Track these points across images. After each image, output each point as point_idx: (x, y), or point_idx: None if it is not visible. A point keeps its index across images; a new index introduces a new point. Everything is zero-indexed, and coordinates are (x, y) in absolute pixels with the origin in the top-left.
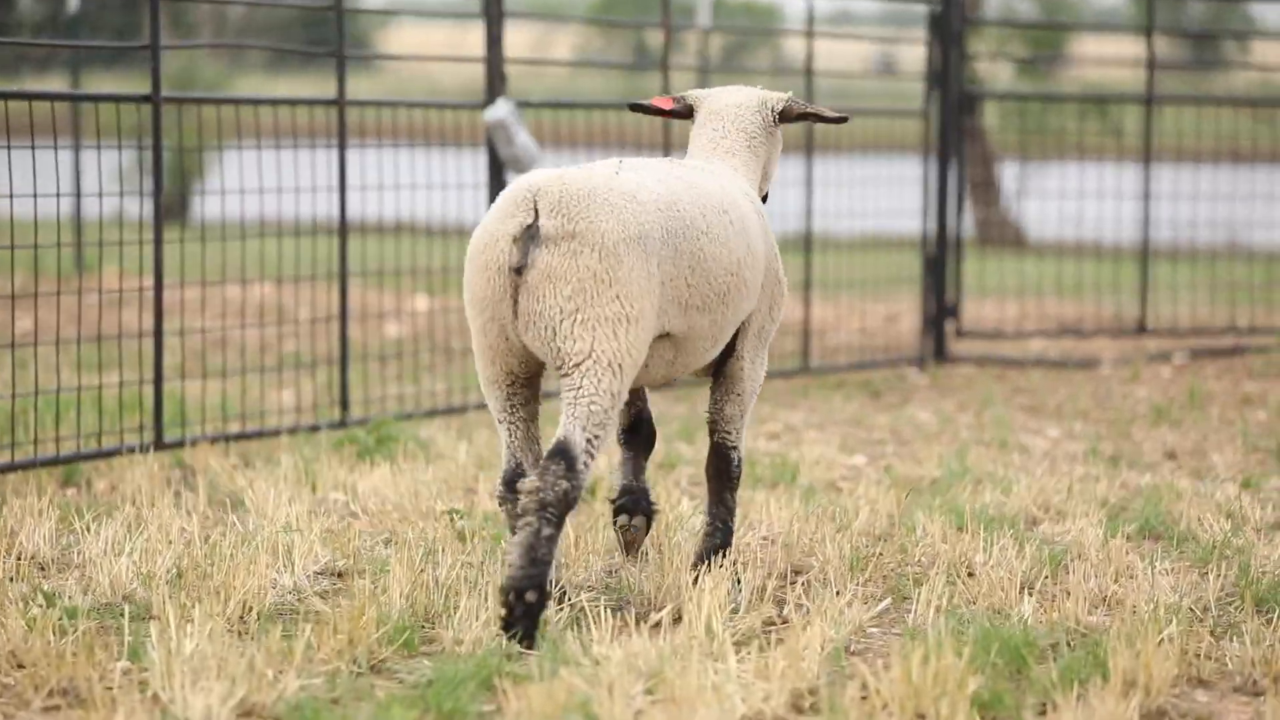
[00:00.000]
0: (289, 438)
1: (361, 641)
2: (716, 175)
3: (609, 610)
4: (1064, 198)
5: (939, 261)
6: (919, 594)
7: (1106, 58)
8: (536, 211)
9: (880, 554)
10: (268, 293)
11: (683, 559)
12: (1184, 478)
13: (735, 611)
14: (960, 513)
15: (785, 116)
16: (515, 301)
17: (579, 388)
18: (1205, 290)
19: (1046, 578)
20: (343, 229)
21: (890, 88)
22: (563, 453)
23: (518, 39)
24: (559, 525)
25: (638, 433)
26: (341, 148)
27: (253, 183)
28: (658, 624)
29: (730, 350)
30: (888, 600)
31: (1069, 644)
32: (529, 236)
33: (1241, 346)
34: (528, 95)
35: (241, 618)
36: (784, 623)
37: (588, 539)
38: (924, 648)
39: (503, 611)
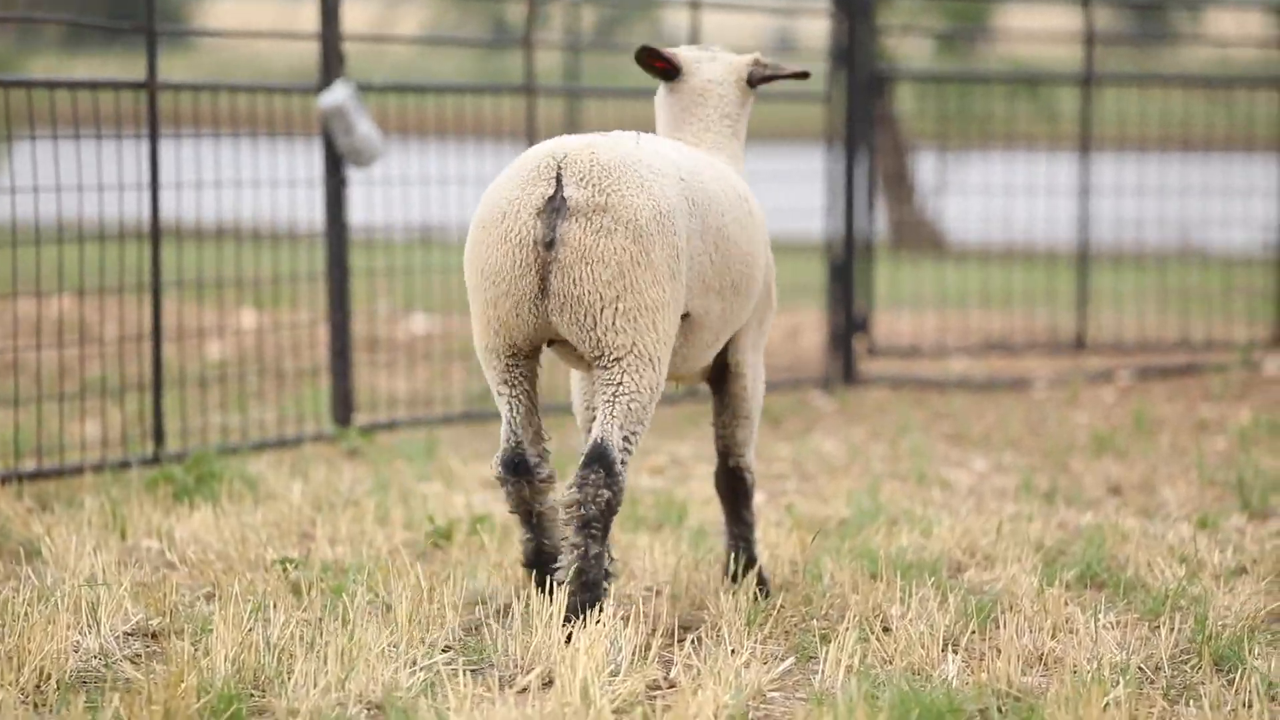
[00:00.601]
0: (94, 476)
1: (180, 713)
2: (726, 169)
3: (468, 673)
4: (990, 194)
5: (846, 268)
6: (826, 652)
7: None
8: (560, 181)
9: (782, 606)
10: (68, 307)
11: (555, 614)
12: (1130, 516)
13: (615, 674)
14: (873, 558)
15: (752, 82)
16: (542, 278)
17: (619, 384)
18: (1153, 300)
19: (973, 632)
20: (155, 233)
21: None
22: (601, 458)
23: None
24: (605, 537)
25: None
26: (153, 138)
27: (48, 179)
28: (525, 689)
29: (730, 369)
30: (791, 660)
31: (1000, 709)
32: (553, 208)
33: (1195, 364)
34: (369, 77)
35: (38, 687)
36: (671, 686)
37: (443, 590)
38: (833, 714)
39: (567, 616)
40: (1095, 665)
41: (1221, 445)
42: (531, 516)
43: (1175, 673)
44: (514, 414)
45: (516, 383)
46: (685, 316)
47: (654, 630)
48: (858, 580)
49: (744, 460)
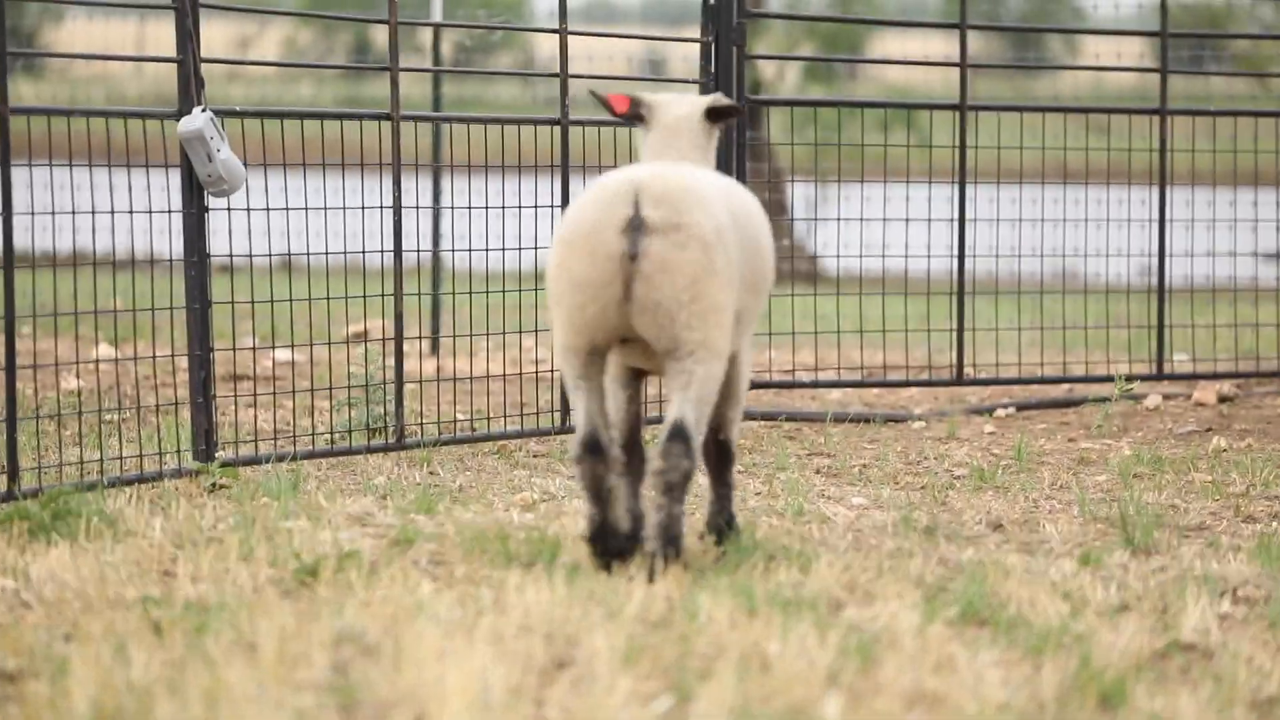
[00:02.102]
0: None
1: None
2: (739, 187)
3: (337, 714)
4: (866, 222)
5: None
6: (704, 691)
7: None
8: (638, 204)
9: (658, 644)
10: None
11: (425, 652)
12: (1012, 552)
13: (488, 713)
14: (751, 594)
15: (713, 117)
16: (626, 286)
17: (692, 372)
18: (1032, 331)
19: (854, 671)
20: (8, 263)
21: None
22: (681, 434)
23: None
24: (684, 500)
25: (633, 462)
26: (4, 164)
27: None
28: None
29: (730, 358)
30: (667, 699)
31: None
32: (634, 226)
33: (1075, 397)
34: (230, 103)
35: None
36: None
37: (311, 629)
38: None
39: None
40: (978, 704)
41: (1103, 480)
42: (601, 492)
43: (1059, 712)
44: (590, 403)
45: (591, 376)
46: None
47: (526, 669)
48: (735, 617)
49: (731, 434)
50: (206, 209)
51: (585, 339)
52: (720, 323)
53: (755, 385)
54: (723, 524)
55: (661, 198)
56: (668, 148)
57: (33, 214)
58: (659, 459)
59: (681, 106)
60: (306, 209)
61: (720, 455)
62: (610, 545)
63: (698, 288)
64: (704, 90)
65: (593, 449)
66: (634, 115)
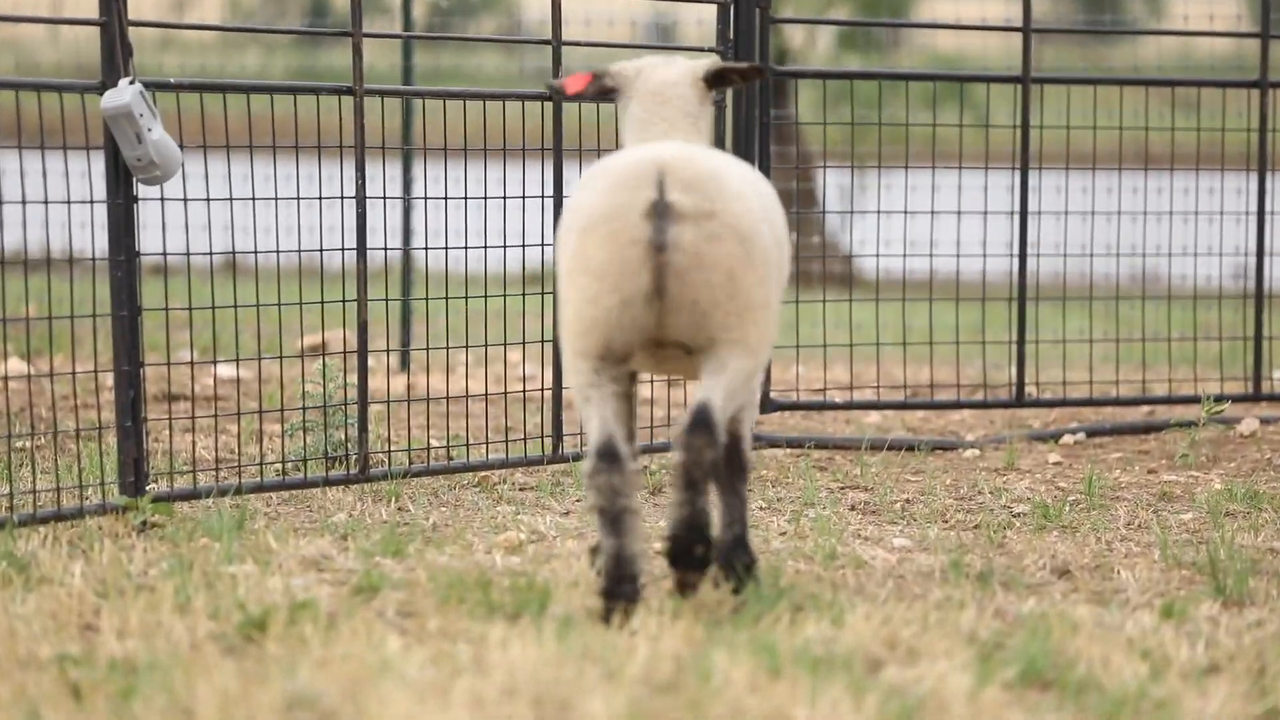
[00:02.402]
0: None
1: None
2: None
3: None
4: (911, 215)
5: None
6: None
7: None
8: (663, 187)
9: (665, 710)
10: None
11: (392, 719)
12: (1081, 603)
13: None
14: (774, 652)
15: (709, 82)
16: (659, 281)
17: (724, 362)
18: (1106, 344)
19: None
20: None
21: None
22: (704, 421)
23: None
24: (706, 490)
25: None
26: None
27: None
28: None
29: None
30: None
31: None
32: (659, 212)
33: (1157, 422)
34: (164, 74)
35: None
36: None
37: (257, 693)
38: None
39: (672, 571)
40: None
41: (1189, 518)
42: (619, 515)
43: None
44: (604, 410)
45: (604, 384)
46: None
47: None
48: (756, 679)
49: (746, 443)
50: (135, 199)
51: (600, 340)
52: (759, 320)
53: (780, 407)
54: (733, 545)
55: (692, 182)
56: (654, 119)
57: None
58: (681, 450)
59: (670, 70)
60: (254, 199)
61: (733, 458)
62: (625, 590)
63: (735, 284)
64: (720, 59)
65: (610, 457)
66: (601, 90)
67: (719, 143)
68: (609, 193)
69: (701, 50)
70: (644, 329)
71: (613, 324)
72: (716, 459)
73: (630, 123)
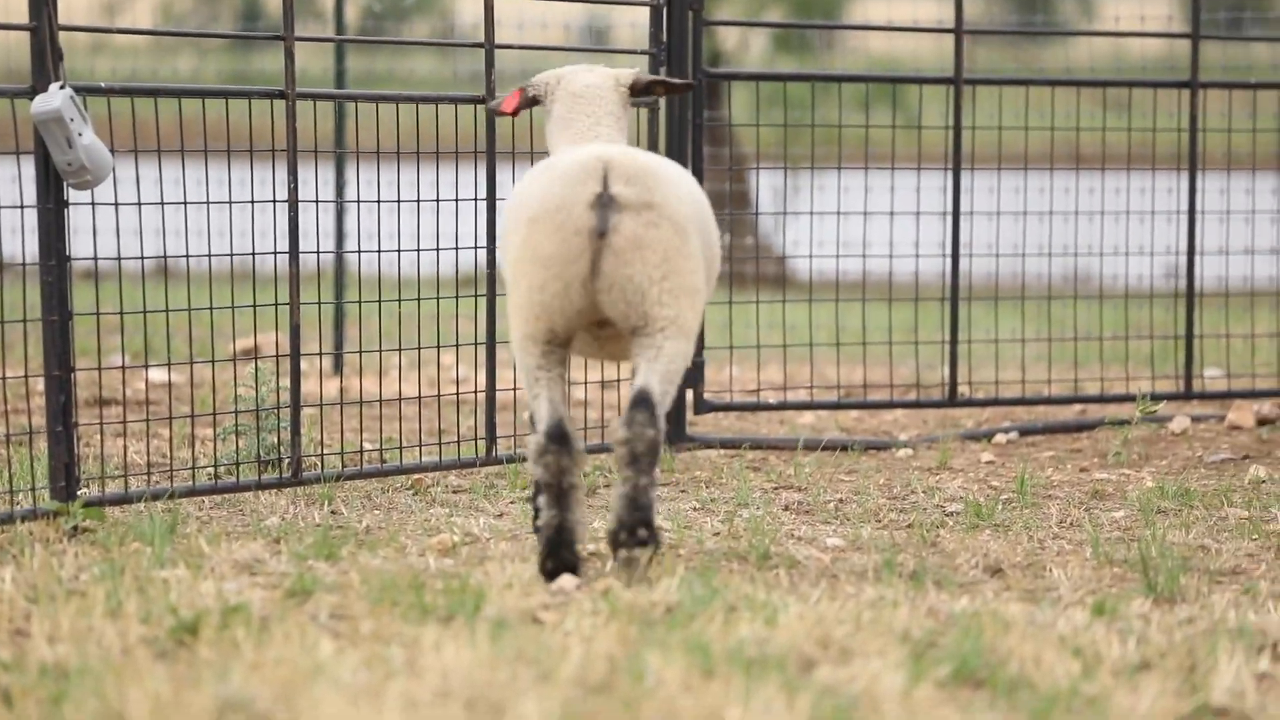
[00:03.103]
0: None
1: None
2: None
3: None
4: (844, 216)
5: None
6: None
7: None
8: (606, 180)
9: (598, 711)
10: None
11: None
12: (1013, 602)
13: None
14: (707, 652)
15: (635, 90)
16: (595, 264)
17: (660, 347)
18: (1039, 344)
19: None
20: None
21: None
22: (645, 401)
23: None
24: (651, 470)
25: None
26: None
27: None
28: None
29: None
30: None
31: None
32: (603, 203)
33: (1089, 420)
34: (94, 78)
35: None
36: None
37: (189, 697)
38: None
39: (617, 553)
40: None
41: (1120, 516)
42: (565, 491)
43: None
44: (553, 392)
45: (552, 367)
46: None
47: None
48: (689, 679)
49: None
50: (66, 203)
51: (545, 324)
52: (693, 304)
53: (714, 408)
54: (637, 526)
55: (634, 176)
56: (576, 118)
57: None
58: (623, 429)
59: (591, 74)
60: (185, 203)
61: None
62: (565, 557)
63: (670, 265)
64: (654, 62)
65: (559, 438)
66: (529, 101)
67: (653, 144)
68: (557, 186)
69: (635, 53)
70: (582, 311)
71: (556, 308)
72: (657, 439)
73: (554, 124)
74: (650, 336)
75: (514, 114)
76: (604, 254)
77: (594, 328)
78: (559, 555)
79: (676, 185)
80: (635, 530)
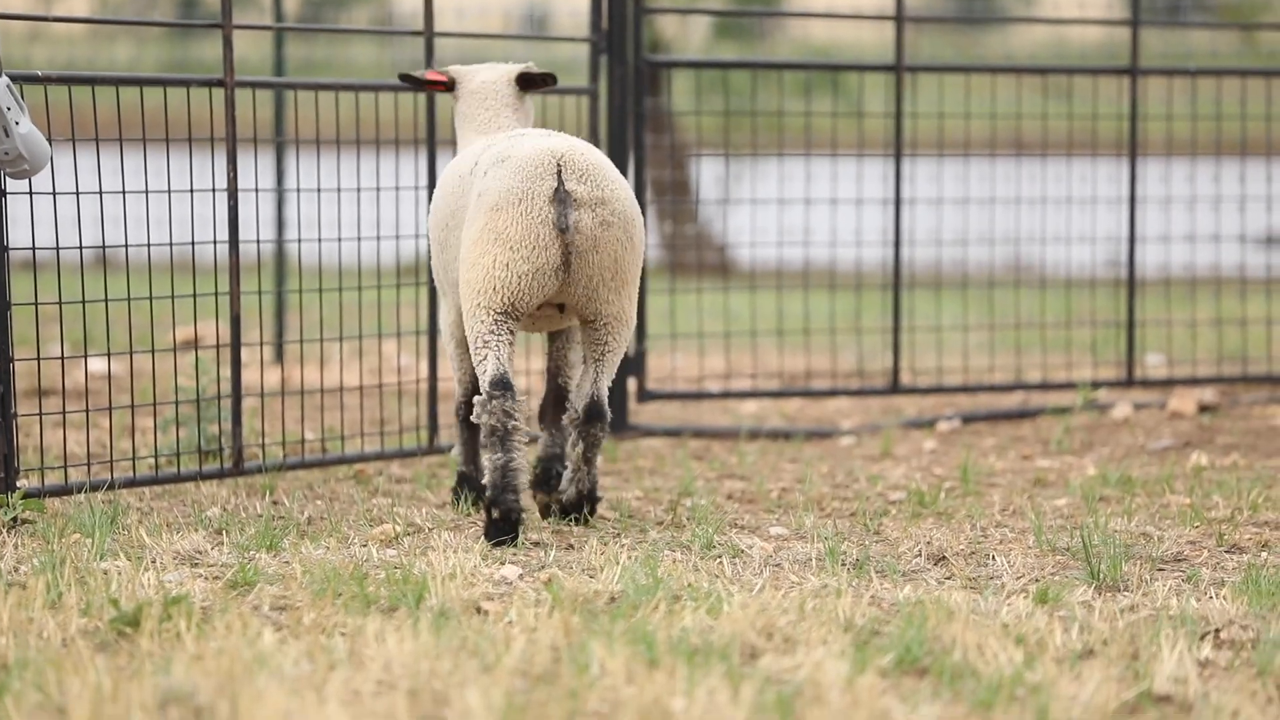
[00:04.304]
0: None
1: None
2: None
3: None
4: (785, 205)
5: None
6: None
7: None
8: (560, 175)
9: (542, 702)
10: None
11: (267, 713)
12: (957, 590)
13: None
14: (651, 642)
15: (524, 84)
16: (563, 255)
17: (605, 343)
18: (981, 332)
19: None
20: None
21: (542, 55)
22: (599, 413)
23: None
24: (598, 457)
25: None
26: None
27: None
28: None
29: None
30: None
31: None
32: (560, 199)
33: (1031, 408)
34: (31, 66)
35: None
36: None
37: (130, 689)
38: None
39: (574, 515)
40: None
41: (1063, 504)
42: (508, 434)
43: None
44: (499, 353)
45: (502, 334)
46: None
47: None
48: (633, 669)
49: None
50: (3, 193)
51: (505, 299)
52: (632, 295)
53: (657, 397)
54: (591, 506)
55: (585, 172)
56: (489, 118)
57: None
58: (580, 439)
59: (486, 73)
60: (124, 193)
61: (559, 402)
62: (510, 508)
63: (619, 264)
64: (594, 50)
65: (503, 386)
66: (449, 85)
67: (594, 132)
68: (516, 180)
69: (575, 40)
70: (547, 294)
71: (522, 288)
72: (608, 431)
73: (459, 115)
74: (598, 331)
75: (433, 85)
76: (571, 251)
77: (542, 311)
78: (503, 497)
79: (619, 179)
80: (583, 506)
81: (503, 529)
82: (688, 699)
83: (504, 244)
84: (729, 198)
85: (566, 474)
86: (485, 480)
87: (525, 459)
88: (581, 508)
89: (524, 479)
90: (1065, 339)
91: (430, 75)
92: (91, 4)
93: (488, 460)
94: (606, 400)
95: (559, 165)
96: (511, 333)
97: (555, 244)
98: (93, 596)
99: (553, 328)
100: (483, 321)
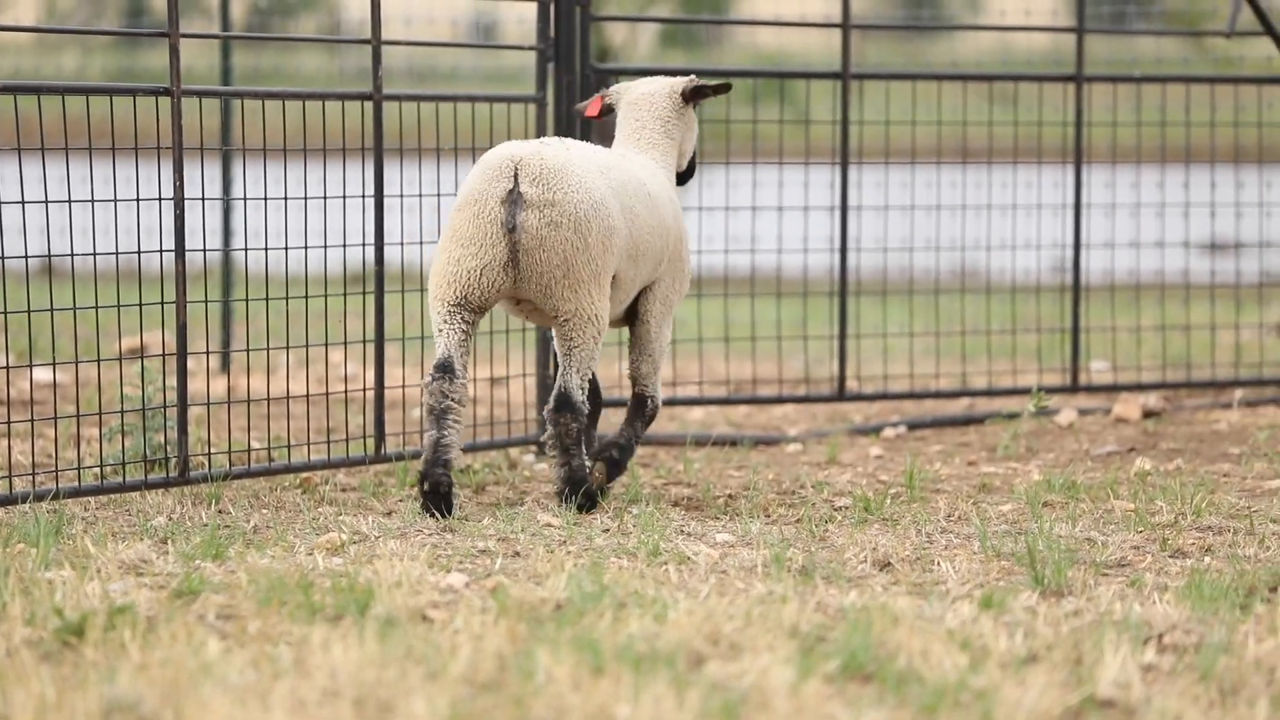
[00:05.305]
0: None
1: None
2: (636, 161)
3: None
4: (732, 211)
5: None
6: None
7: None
8: (517, 178)
9: (488, 709)
10: None
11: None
12: (902, 595)
13: None
14: (597, 649)
15: (688, 96)
16: (513, 255)
17: (571, 339)
18: (926, 338)
19: None
20: None
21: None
22: (567, 403)
23: None
24: (581, 449)
25: (589, 402)
26: None
27: None
28: None
29: (639, 316)
30: None
31: None
32: (513, 200)
33: (977, 414)
34: None
35: None
36: None
37: (74, 699)
38: None
39: (569, 505)
40: None
41: (1008, 509)
42: (443, 411)
43: None
44: (450, 339)
45: (456, 323)
46: (613, 278)
47: None
48: (579, 676)
49: (647, 389)
50: None
51: (458, 292)
52: (591, 292)
53: (604, 403)
54: (618, 451)
55: (538, 175)
56: (635, 130)
57: None
58: (552, 426)
59: (645, 86)
60: (70, 202)
61: (636, 404)
62: (440, 480)
63: (569, 263)
64: (541, 57)
65: (445, 369)
66: (607, 109)
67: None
68: (477, 181)
69: (522, 49)
70: (501, 290)
71: (471, 283)
72: (581, 426)
73: (618, 128)
74: (561, 328)
75: (598, 117)
76: (517, 249)
77: (512, 302)
78: (432, 471)
79: (584, 179)
80: (576, 495)
81: (433, 500)
82: (633, 706)
83: (458, 241)
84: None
85: (552, 465)
86: (425, 459)
87: (458, 437)
88: (566, 496)
89: (455, 454)
90: (1011, 345)
91: (591, 106)
92: (38, 12)
93: (424, 436)
94: (576, 393)
95: (516, 168)
96: (465, 323)
97: (502, 242)
98: (37, 606)
99: (542, 322)
100: (438, 312)
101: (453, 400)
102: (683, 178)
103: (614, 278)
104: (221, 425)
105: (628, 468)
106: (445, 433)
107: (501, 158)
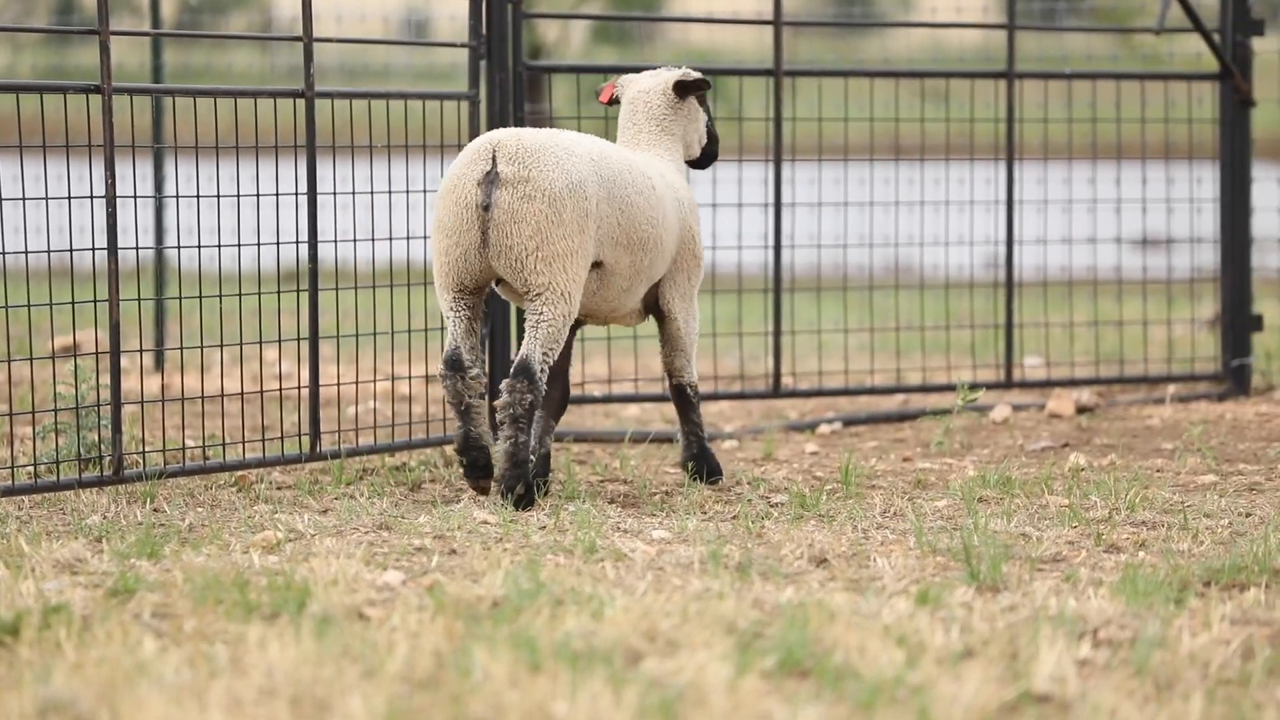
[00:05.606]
0: None
1: None
2: (642, 157)
3: None
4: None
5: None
6: None
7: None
8: (495, 160)
9: (425, 707)
10: None
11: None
12: (838, 591)
13: None
14: (534, 646)
15: (681, 90)
16: (485, 234)
17: (540, 313)
18: (861, 334)
19: None
20: None
21: (422, 60)
22: (525, 371)
23: None
24: (529, 428)
25: (552, 393)
26: None
27: None
28: None
29: (663, 313)
30: None
31: None
32: (489, 180)
33: (911, 410)
34: None
35: None
36: None
37: (8, 699)
38: None
39: (506, 501)
40: None
41: (943, 505)
42: (465, 409)
43: None
44: (456, 329)
45: (460, 310)
46: (600, 265)
47: None
48: (516, 673)
49: (685, 379)
50: None
51: (454, 279)
52: (565, 269)
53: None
54: (695, 457)
55: (515, 155)
56: (634, 132)
57: None
58: (505, 393)
59: (645, 81)
60: (0, 200)
61: (680, 397)
62: (476, 458)
63: (542, 235)
64: (474, 54)
65: (454, 366)
66: (616, 100)
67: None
68: (458, 166)
69: (455, 46)
70: (482, 271)
71: (457, 269)
72: (536, 401)
73: (620, 125)
74: (532, 302)
75: (607, 104)
76: (489, 226)
77: (502, 284)
78: (472, 460)
79: (564, 160)
80: (514, 485)
81: (472, 474)
82: (571, 703)
83: (441, 230)
84: None
85: (498, 444)
86: (456, 447)
87: (486, 427)
88: (505, 475)
89: (488, 439)
90: (944, 341)
91: (604, 93)
92: None
93: (456, 429)
94: (537, 364)
95: (494, 151)
96: (468, 308)
97: (476, 224)
98: None
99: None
100: (443, 300)
101: (470, 398)
102: (704, 161)
103: (604, 266)
104: (156, 424)
105: (712, 453)
106: (470, 427)
107: (481, 143)
